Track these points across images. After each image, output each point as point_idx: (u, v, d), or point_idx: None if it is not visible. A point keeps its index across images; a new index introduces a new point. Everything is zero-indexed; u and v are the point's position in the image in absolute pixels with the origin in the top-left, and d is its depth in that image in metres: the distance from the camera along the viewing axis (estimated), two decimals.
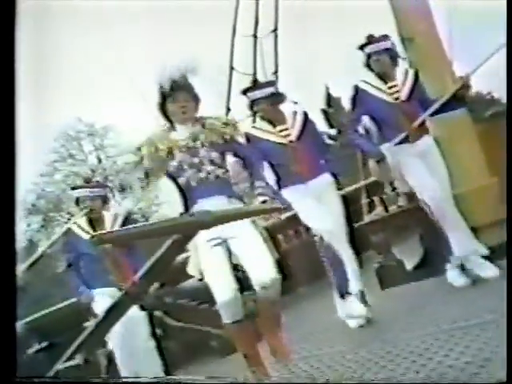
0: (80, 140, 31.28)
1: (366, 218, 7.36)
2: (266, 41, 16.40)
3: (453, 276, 5.49)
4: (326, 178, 5.48)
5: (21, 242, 26.42)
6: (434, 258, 6.28)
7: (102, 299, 5.14)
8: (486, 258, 5.52)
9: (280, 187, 5.36)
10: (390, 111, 5.60)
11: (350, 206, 5.77)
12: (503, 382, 1.81)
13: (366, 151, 5.76)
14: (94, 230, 5.32)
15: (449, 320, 4.49)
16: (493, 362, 3.40)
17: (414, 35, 6.65)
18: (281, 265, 4.39)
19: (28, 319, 6.51)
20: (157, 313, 6.35)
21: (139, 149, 4.36)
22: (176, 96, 4.32)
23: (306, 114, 5.51)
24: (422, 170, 5.52)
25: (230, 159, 4.53)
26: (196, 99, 4.41)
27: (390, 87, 5.63)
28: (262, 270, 4.24)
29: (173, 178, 4.39)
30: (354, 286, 5.39)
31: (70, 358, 2.37)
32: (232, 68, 15.57)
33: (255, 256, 4.27)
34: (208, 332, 6.53)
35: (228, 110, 13.70)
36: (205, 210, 2.19)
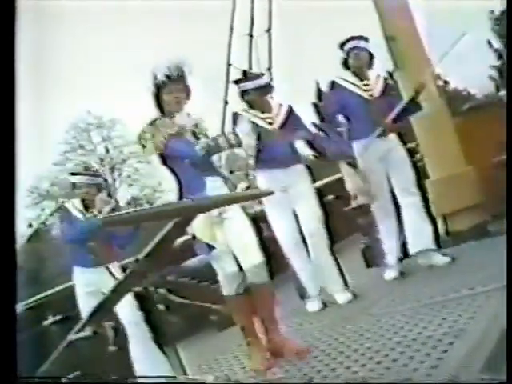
0: (89, 132, 31.28)
1: (354, 203, 7.37)
2: (260, 39, 16.42)
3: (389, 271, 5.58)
4: (299, 169, 5.42)
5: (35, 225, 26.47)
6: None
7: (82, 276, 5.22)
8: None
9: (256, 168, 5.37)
10: (365, 106, 5.60)
11: (337, 192, 5.75)
12: (503, 382, 1.81)
13: (338, 152, 5.68)
14: (87, 210, 5.39)
15: (428, 295, 4.53)
16: (466, 333, 3.44)
17: (397, 34, 6.65)
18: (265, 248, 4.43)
19: (44, 293, 6.54)
20: (160, 290, 6.38)
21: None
22: (170, 87, 4.27)
23: (290, 107, 5.50)
24: (391, 167, 5.56)
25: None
26: (188, 90, 4.34)
27: (365, 84, 5.64)
28: (249, 253, 4.24)
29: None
30: (313, 290, 5.40)
31: (80, 330, 2.40)
32: (229, 64, 15.59)
33: (243, 239, 4.25)
34: (208, 307, 6.55)
35: (226, 102, 13.71)
36: (203, 195, 2.21)
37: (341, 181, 5.96)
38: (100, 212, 5.27)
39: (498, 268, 4.32)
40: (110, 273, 5.11)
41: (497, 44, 19.63)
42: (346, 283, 5.39)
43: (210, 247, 4.11)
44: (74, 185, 5.49)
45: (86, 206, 5.39)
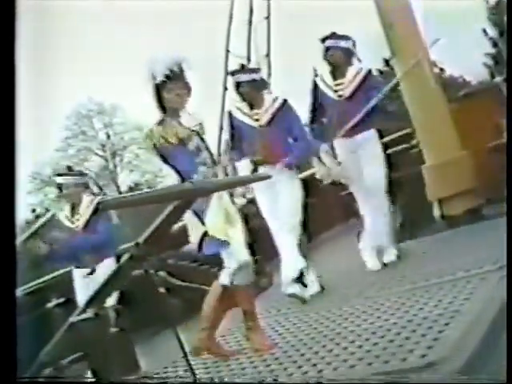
0: (91, 118, 31.22)
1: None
2: (259, 26, 16.36)
3: (371, 260, 5.53)
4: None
5: (37, 210, 26.51)
6: (410, 224, 6.32)
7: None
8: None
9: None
10: (332, 107, 5.59)
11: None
12: (503, 382, 1.80)
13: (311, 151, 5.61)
14: (73, 215, 5.39)
15: (424, 278, 4.53)
16: (462, 314, 3.44)
17: (394, 21, 6.63)
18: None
19: (48, 276, 6.55)
20: (161, 273, 6.38)
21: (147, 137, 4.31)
22: (170, 85, 4.17)
23: (284, 101, 5.42)
24: (355, 165, 5.53)
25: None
26: (188, 87, 4.25)
27: (337, 84, 5.60)
28: (237, 251, 4.18)
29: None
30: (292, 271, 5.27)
31: (82, 312, 2.39)
32: (228, 51, 15.54)
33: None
34: (207, 291, 6.55)
35: (225, 88, 13.65)
36: (203, 179, 2.20)
37: None
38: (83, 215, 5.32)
39: (493, 251, 4.33)
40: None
41: (492, 32, 19.56)
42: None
43: (224, 243, 4.10)
44: (60, 186, 5.48)
45: (73, 208, 5.41)
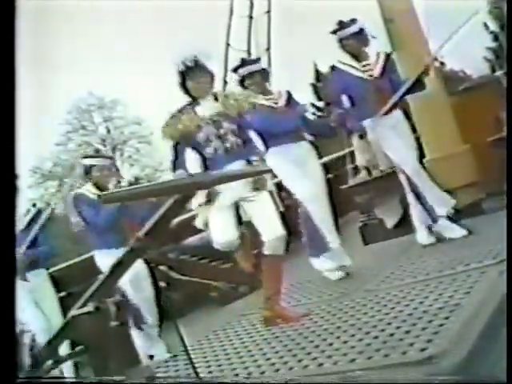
0: (91, 112, 31.22)
1: (351, 182, 7.37)
2: (260, 20, 16.37)
3: (422, 236, 5.51)
4: (305, 146, 5.47)
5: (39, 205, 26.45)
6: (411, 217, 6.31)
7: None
8: (451, 219, 5.52)
9: (267, 147, 5.37)
10: (365, 87, 5.57)
11: (336, 170, 5.77)
12: (503, 382, 1.81)
13: (349, 127, 5.70)
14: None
15: (424, 272, 4.54)
16: (462, 307, 3.45)
17: (394, 15, 6.61)
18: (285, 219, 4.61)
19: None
20: (161, 267, 6.37)
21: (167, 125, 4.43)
22: (194, 74, 4.41)
23: (289, 93, 5.55)
24: (397, 142, 5.51)
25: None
26: (211, 75, 4.51)
27: (364, 65, 5.60)
28: (270, 226, 4.42)
29: (197, 149, 4.46)
30: (334, 241, 5.41)
31: (82, 306, 2.40)
32: (228, 44, 15.55)
33: (264, 214, 4.43)
34: (208, 284, 6.57)
35: (225, 82, 13.66)
36: (204, 172, 2.20)
37: (338, 160, 5.97)
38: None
39: (493, 245, 4.34)
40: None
41: (493, 26, 19.48)
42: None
43: None
44: (87, 168, 5.41)
45: (100, 189, 5.35)
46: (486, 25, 20.06)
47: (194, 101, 4.51)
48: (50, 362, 2.50)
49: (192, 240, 6.37)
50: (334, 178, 6.76)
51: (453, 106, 6.67)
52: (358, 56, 5.62)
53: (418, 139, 6.72)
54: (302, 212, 5.41)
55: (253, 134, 4.97)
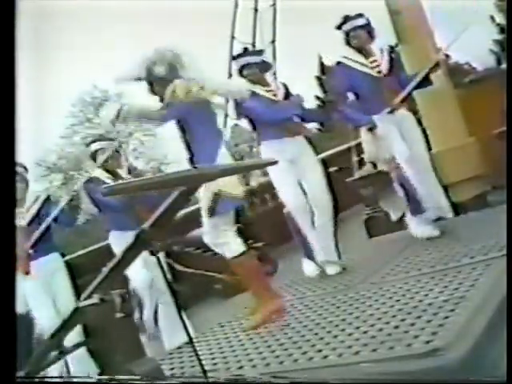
0: (96, 105, 31.21)
1: (357, 175, 7.36)
2: (265, 13, 16.36)
3: (416, 228, 5.51)
4: (303, 140, 5.41)
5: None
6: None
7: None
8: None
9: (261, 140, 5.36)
10: (374, 84, 5.55)
11: (341, 163, 5.76)
12: (503, 382, 1.80)
13: (357, 121, 5.68)
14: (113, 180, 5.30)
15: (429, 264, 4.53)
16: (467, 300, 3.44)
17: (401, 7, 6.58)
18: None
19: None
20: (166, 259, 6.39)
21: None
22: (161, 82, 4.42)
23: (286, 86, 5.50)
24: (398, 137, 5.49)
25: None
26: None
27: (372, 62, 5.58)
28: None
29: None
30: (320, 255, 5.37)
31: (87, 297, 2.39)
32: (233, 37, 15.55)
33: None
34: (213, 276, 6.58)
35: (230, 75, 13.65)
36: (208, 164, 2.19)
37: (343, 153, 5.95)
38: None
39: (498, 237, 4.33)
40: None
41: (499, 19, 19.43)
42: (339, 256, 5.38)
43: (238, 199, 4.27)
44: (94, 153, 5.41)
45: (107, 171, 5.34)
46: (492, 17, 20.04)
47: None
48: (54, 354, 2.50)
49: (197, 232, 6.38)
50: (340, 171, 6.74)
51: (458, 99, 6.65)
52: (363, 51, 5.60)
53: (424, 132, 6.72)
54: (287, 215, 5.42)
55: (244, 122, 4.95)
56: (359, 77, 5.56)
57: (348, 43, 5.64)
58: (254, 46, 15.57)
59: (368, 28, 5.62)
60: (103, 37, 29.36)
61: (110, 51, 27.96)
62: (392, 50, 5.77)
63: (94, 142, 5.57)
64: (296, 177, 5.30)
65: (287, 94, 5.42)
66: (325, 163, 5.66)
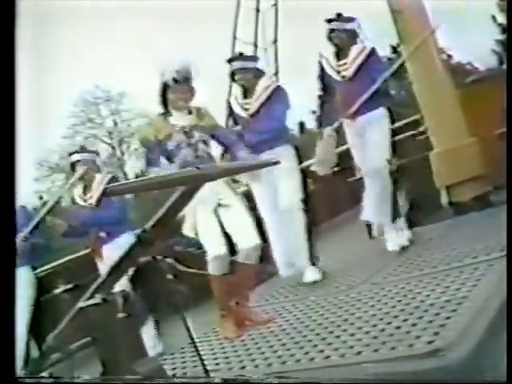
0: (98, 105, 31.22)
1: (358, 175, 7.35)
2: (267, 14, 16.36)
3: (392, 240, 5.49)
4: (284, 149, 5.30)
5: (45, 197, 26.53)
6: (417, 211, 6.29)
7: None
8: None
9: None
10: (337, 89, 5.57)
11: (344, 163, 5.73)
12: (503, 382, 1.80)
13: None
14: (85, 193, 5.39)
15: (431, 265, 4.52)
16: (468, 300, 3.44)
17: (403, 7, 6.58)
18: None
19: (56, 263, 6.57)
20: (168, 260, 6.38)
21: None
22: (177, 87, 4.41)
23: (276, 88, 5.42)
24: (361, 147, 5.51)
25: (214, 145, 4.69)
26: (192, 91, 4.50)
27: (340, 65, 5.57)
28: (245, 236, 4.44)
29: (168, 157, 4.49)
30: (283, 265, 5.40)
31: (90, 297, 2.40)
32: (235, 37, 15.53)
33: (239, 223, 4.44)
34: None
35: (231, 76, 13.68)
36: (210, 164, 2.19)
37: (345, 153, 5.95)
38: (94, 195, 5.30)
39: (500, 237, 4.32)
40: None
41: (501, 18, 19.45)
42: (313, 262, 5.34)
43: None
44: (73, 164, 5.46)
45: (85, 187, 5.39)
46: (494, 17, 20.05)
47: (167, 112, 4.53)
48: (56, 355, 2.50)
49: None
50: (342, 171, 6.72)
51: (460, 99, 6.64)
52: (340, 51, 5.61)
53: (424, 132, 6.71)
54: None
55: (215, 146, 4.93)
56: (327, 78, 5.63)
57: (330, 39, 5.64)
58: (255, 46, 15.59)
59: (353, 33, 5.61)
60: (104, 37, 29.32)
61: (110, 51, 28.03)
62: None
63: (74, 153, 5.62)
64: (273, 184, 5.28)
65: (264, 104, 5.33)
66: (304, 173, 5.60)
